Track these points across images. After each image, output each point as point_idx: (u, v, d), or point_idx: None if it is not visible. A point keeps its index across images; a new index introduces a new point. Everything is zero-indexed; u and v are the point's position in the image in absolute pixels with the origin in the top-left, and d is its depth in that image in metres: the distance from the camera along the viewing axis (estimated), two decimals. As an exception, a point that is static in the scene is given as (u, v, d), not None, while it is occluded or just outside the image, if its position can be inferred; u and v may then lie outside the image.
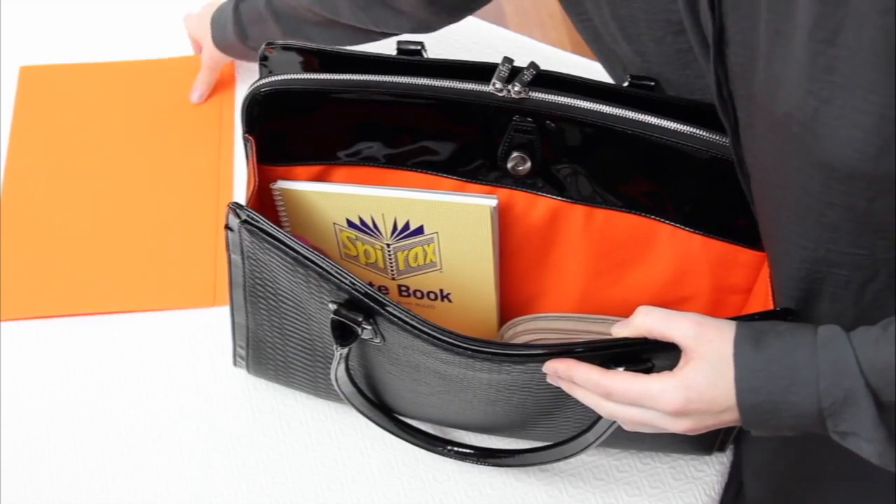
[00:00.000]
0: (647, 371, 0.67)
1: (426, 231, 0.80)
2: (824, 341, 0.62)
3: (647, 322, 0.66)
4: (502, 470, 0.87)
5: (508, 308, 0.88)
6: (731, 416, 0.64)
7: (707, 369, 0.63)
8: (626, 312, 0.85)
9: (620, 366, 0.67)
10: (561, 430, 0.80)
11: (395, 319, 0.69)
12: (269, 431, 0.89)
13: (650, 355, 0.67)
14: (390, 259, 0.83)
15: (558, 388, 0.71)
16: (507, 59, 0.75)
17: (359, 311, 0.71)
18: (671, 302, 0.83)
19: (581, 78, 0.77)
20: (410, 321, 0.69)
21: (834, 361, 0.61)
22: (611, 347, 0.68)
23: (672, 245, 0.80)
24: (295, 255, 0.71)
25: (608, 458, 0.89)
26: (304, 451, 0.88)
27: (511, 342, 0.85)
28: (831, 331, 0.62)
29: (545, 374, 0.70)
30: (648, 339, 0.67)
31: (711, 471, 0.88)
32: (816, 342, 0.62)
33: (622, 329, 0.67)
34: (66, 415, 0.90)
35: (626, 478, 0.88)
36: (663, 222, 0.79)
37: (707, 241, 0.78)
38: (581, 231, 0.81)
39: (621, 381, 0.66)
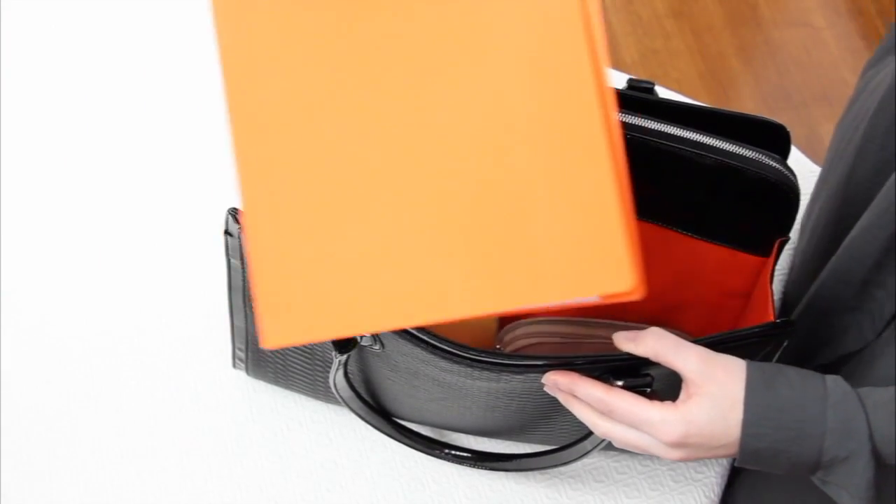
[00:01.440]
0: (647, 385, 0.67)
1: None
2: (836, 400, 0.62)
3: (657, 347, 0.65)
4: (501, 472, 0.87)
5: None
6: (725, 452, 0.65)
7: (710, 407, 0.63)
8: (627, 316, 0.85)
9: (619, 378, 0.67)
10: (560, 435, 0.81)
11: (394, 327, 0.69)
12: (268, 433, 0.89)
13: (649, 370, 0.67)
14: (389, 263, 0.83)
15: None
16: None
17: (358, 318, 0.71)
18: (671, 306, 0.83)
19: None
20: (409, 329, 0.69)
21: (844, 422, 0.61)
22: (611, 361, 0.67)
23: (671, 250, 0.79)
24: (294, 261, 0.71)
25: (608, 459, 0.89)
26: (302, 452, 0.88)
27: (510, 352, 0.85)
28: (842, 388, 0.63)
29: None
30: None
31: (711, 473, 0.88)
32: (827, 398, 0.62)
33: (628, 344, 0.67)
34: (65, 416, 0.90)
35: (626, 479, 0.88)
36: (663, 227, 0.79)
37: (707, 246, 0.78)
38: (581, 235, 0.81)
39: (624, 402, 0.66)
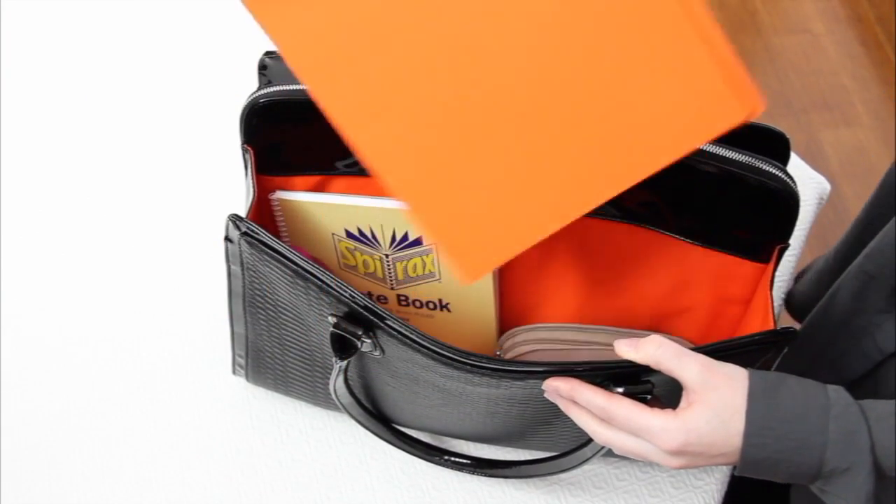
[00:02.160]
0: (648, 392, 0.67)
1: (425, 242, 0.80)
2: (838, 411, 0.62)
3: (658, 355, 0.65)
4: (501, 479, 0.87)
5: (507, 318, 0.88)
6: (725, 460, 0.65)
7: (710, 416, 0.63)
8: (626, 322, 0.85)
9: (619, 385, 0.67)
10: (560, 441, 0.81)
11: (395, 333, 0.69)
12: (268, 440, 0.89)
13: (649, 377, 0.67)
14: (389, 269, 0.83)
15: None
16: None
17: (358, 324, 0.71)
18: (671, 313, 0.83)
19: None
20: (410, 335, 0.69)
21: (846, 434, 0.61)
22: (611, 368, 0.67)
23: (671, 256, 0.80)
24: (295, 267, 0.71)
25: (608, 466, 0.89)
26: (302, 459, 0.88)
27: (510, 358, 0.85)
28: (844, 400, 0.63)
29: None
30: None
31: (711, 479, 0.88)
32: (829, 409, 0.62)
33: (629, 351, 0.66)
34: (65, 422, 0.90)
35: (626, 486, 0.88)
36: (662, 233, 0.79)
37: (707, 253, 0.78)
38: (579, 242, 0.81)
39: (625, 409, 0.65)
